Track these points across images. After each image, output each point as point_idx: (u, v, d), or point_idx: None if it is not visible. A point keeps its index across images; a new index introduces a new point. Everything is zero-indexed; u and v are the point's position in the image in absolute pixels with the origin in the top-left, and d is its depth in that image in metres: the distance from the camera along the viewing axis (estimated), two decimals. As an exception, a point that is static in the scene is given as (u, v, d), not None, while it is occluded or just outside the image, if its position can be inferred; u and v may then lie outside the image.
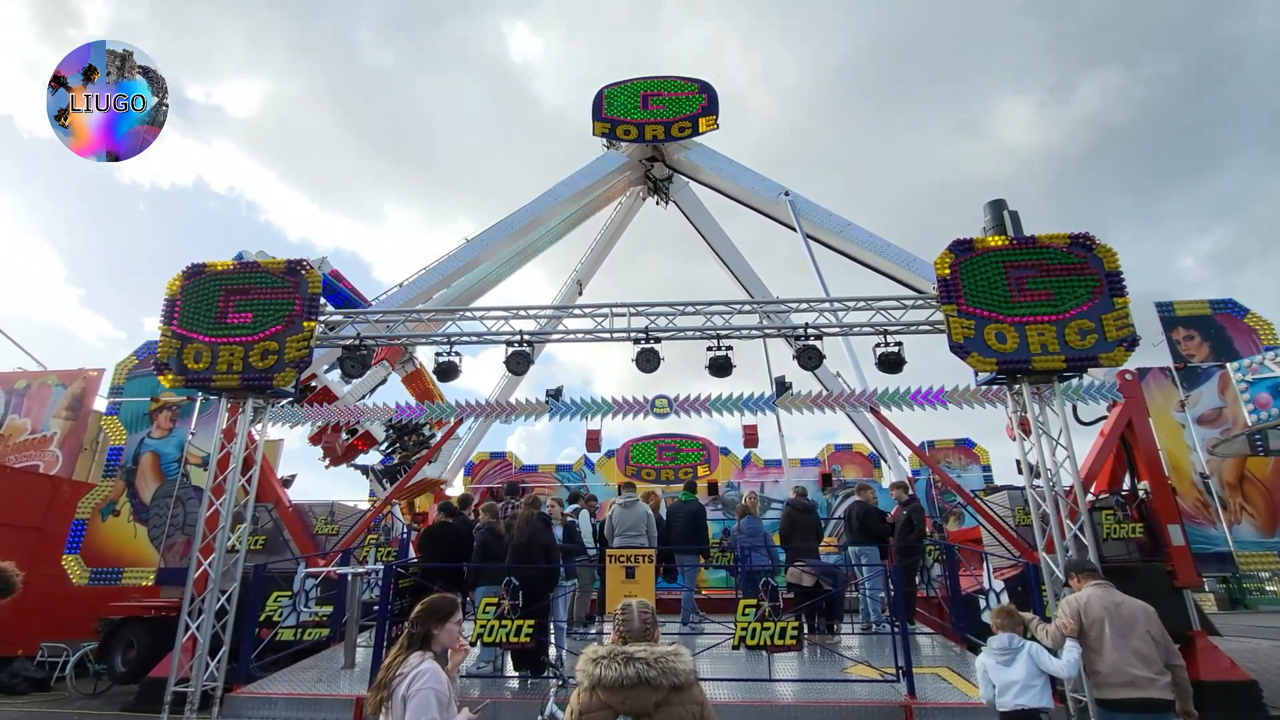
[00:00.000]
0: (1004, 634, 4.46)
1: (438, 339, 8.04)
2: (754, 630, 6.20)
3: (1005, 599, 6.91)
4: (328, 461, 15.35)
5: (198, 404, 10.54)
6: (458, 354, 8.13)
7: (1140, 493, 9.69)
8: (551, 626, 7.31)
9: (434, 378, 13.49)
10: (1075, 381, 9.43)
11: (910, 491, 9.42)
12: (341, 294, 14.48)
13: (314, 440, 15.21)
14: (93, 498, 10.25)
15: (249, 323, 7.28)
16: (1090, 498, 9.59)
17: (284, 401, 8.67)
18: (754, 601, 6.34)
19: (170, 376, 7.21)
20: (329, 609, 8.44)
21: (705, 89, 15.52)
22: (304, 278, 7.51)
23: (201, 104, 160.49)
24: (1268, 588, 28.58)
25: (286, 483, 12.65)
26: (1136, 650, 4.20)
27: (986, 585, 7.24)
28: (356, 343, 7.86)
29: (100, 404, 14.38)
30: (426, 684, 2.85)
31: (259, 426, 7.72)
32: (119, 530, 10.05)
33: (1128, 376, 9.74)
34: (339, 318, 8.01)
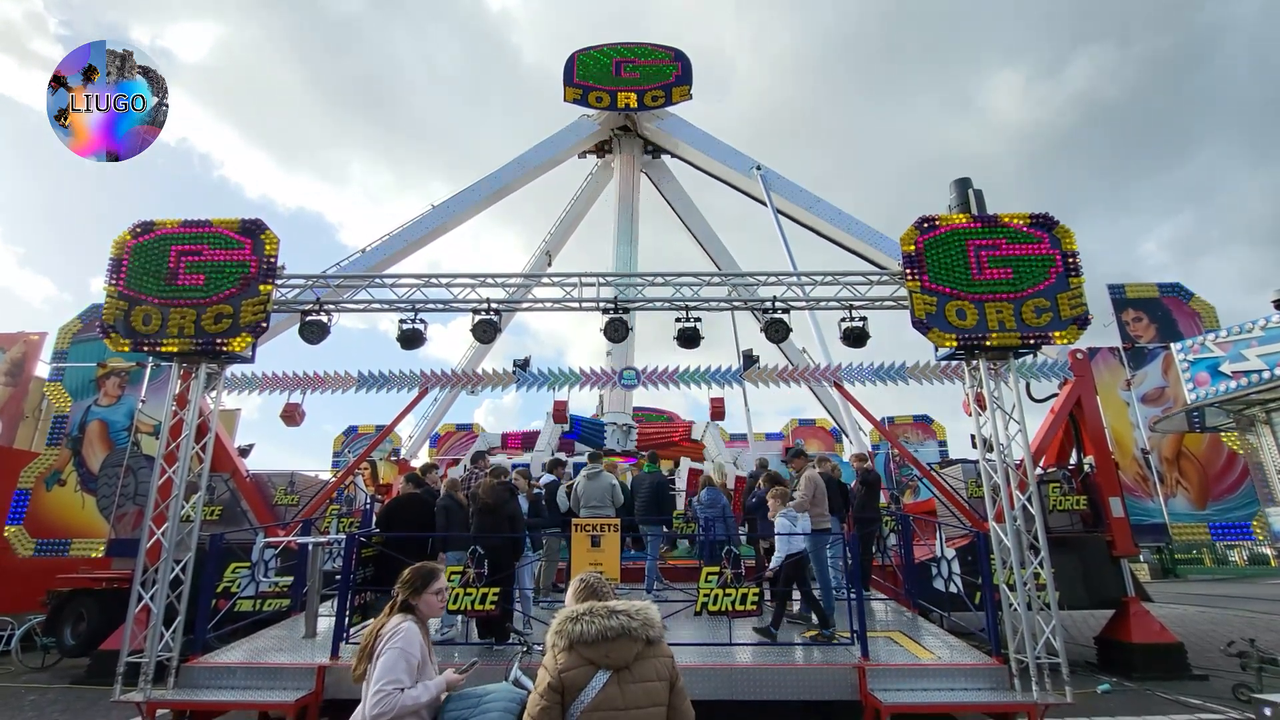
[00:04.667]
0: (785, 510, 6.76)
1: (402, 305, 7.84)
2: (716, 596, 6.35)
3: (956, 567, 7.27)
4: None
5: (148, 370, 10.17)
6: (423, 321, 7.96)
7: (1085, 467, 10.15)
8: (517, 593, 7.35)
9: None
10: (1030, 359, 9.76)
11: (869, 463, 9.73)
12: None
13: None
14: (36, 467, 9.87)
15: (201, 285, 6.98)
16: (1039, 471, 9.99)
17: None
18: (716, 569, 6.47)
19: (116, 339, 6.89)
20: (289, 579, 8.33)
21: (679, 58, 15.25)
22: (261, 238, 7.23)
23: (146, 47, 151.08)
24: (1197, 558, 30.31)
25: (244, 452, 12.35)
26: (828, 501, 7.38)
27: (939, 554, 7.52)
28: (316, 308, 7.63)
29: (43, 369, 13.75)
30: (396, 643, 2.82)
31: (213, 393, 7.47)
32: (66, 500, 9.72)
33: (1079, 355, 10.12)
34: (298, 282, 7.74)
